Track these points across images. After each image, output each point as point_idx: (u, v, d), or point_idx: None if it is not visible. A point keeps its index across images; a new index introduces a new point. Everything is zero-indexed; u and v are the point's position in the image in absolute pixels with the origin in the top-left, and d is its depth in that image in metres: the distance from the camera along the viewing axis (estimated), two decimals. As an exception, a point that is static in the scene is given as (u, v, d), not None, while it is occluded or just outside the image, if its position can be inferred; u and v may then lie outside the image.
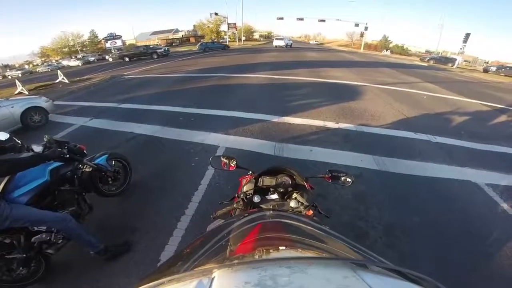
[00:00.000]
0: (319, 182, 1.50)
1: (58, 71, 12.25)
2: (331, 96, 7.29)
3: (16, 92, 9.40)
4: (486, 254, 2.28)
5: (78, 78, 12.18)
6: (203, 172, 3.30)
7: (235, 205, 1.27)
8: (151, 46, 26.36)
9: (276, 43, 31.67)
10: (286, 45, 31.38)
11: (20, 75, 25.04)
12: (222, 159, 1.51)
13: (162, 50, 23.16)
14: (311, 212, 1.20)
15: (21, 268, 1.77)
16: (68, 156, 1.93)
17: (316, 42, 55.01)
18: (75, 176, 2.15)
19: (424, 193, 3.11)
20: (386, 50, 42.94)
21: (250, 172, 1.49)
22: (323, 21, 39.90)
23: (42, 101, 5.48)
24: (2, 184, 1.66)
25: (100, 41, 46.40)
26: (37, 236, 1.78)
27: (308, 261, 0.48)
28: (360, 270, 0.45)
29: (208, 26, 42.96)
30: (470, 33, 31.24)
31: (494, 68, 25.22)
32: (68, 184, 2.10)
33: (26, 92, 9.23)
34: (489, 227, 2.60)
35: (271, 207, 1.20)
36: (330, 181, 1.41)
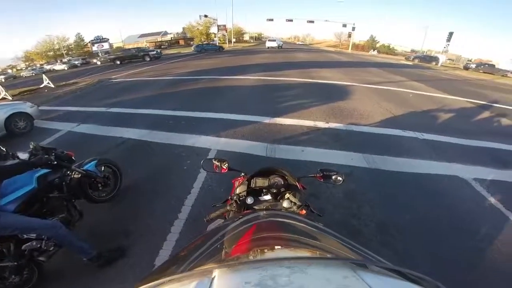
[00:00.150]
0: (311, 181, 1.51)
1: (43, 75, 11.92)
2: (321, 97, 7.39)
3: (-1, 98, 9.09)
4: (477, 249, 2.35)
5: (64, 83, 11.87)
6: (195, 175, 3.29)
7: (228, 208, 1.26)
8: (143, 49, 25.85)
9: (268, 44, 32.14)
10: (279, 46, 31.91)
11: (3, 80, 24.21)
12: (214, 161, 1.51)
13: (155, 52, 22.76)
14: (304, 211, 1.21)
15: (13, 276, 1.74)
16: (55, 162, 1.90)
17: (302, 43, 56.09)
18: (64, 183, 2.12)
19: (413, 190, 3.19)
20: (373, 50, 43.86)
21: (243, 174, 1.50)
22: (312, 22, 40.47)
23: (27, 107, 5.32)
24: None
25: (87, 44, 45.46)
26: (28, 244, 1.75)
27: (308, 261, 0.49)
28: (360, 270, 0.45)
29: (198, 29, 42.80)
30: (453, 32, 32.45)
31: (473, 66, 26.39)
32: (57, 191, 2.07)
33: (10, 98, 8.93)
34: (478, 222, 2.68)
35: (264, 207, 1.21)
36: (321, 180, 1.43)
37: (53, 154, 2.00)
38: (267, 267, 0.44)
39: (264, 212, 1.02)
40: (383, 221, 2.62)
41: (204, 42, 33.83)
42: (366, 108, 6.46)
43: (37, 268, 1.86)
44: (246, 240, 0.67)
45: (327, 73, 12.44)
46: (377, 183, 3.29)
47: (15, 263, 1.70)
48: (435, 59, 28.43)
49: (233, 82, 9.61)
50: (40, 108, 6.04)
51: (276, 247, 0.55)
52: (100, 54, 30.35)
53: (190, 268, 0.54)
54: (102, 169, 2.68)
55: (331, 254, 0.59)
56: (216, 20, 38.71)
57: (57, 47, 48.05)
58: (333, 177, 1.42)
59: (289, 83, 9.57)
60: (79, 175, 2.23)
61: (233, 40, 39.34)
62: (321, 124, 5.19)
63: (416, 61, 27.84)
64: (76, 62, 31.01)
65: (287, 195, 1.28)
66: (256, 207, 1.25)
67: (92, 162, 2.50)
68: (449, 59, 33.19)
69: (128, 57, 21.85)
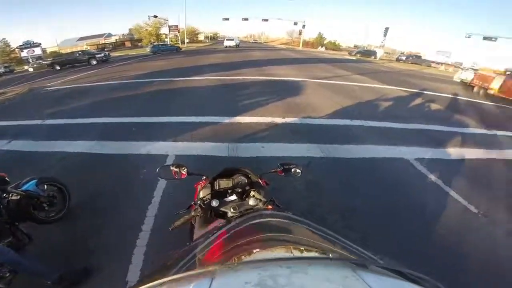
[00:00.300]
0: (274, 176, 1.55)
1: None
2: (277, 93, 7.67)
3: None
4: (424, 221, 2.71)
5: (-15, 95, 10.08)
6: (154, 184, 3.13)
7: (193, 213, 1.21)
8: (88, 51, 23.29)
9: (227, 43, 31.79)
10: (237, 45, 31.95)
11: None
12: (171, 168, 1.44)
13: (102, 55, 20.54)
14: (270, 207, 1.22)
15: None
16: None
17: (255, 41, 57.64)
18: (1, 206, 1.95)
19: (365, 174, 3.56)
20: (321, 47, 46.85)
21: (204, 177, 1.47)
22: (266, 20, 41.39)
23: None
24: None
25: (14, 50, 39.20)
26: None
27: (308, 261, 0.49)
28: (360, 270, 0.45)
29: (146, 29, 40.36)
30: (388, 28, 36.47)
31: (404, 58, 30.27)
32: None
33: None
34: (423, 199, 3.09)
35: (231, 209, 1.20)
36: (282, 174, 1.47)
37: None
38: (267, 267, 0.44)
39: (263, 212, 1.02)
40: (343, 206, 2.88)
41: (161, 43, 31.98)
42: (318, 102, 6.92)
43: None
44: (246, 240, 0.66)
45: (282, 70, 12.93)
46: (333, 171, 3.59)
47: None
48: (374, 53, 31.71)
49: (189, 83, 9.34)
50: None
51: (279, 247, 0.56)
52: (31, 60, 26.55)
53: (190, 268, 0.53)
54: (45, 187, 2.45)
55: (331, 254, 0.59)
56: (167, 20, 36.98)
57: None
58: (292, 170, 1.47)
59: (247, 81, 9.70)
60: (18, 197, 2.07)
61: (186, 40, 38.02)
62: (279, 120, 5.40)
63: (358, 55, 30.59)
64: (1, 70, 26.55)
65: (252, 193, 1.29)
66: (222, 209, 1.23)
67: (32, 182, 2.28)
68: (386, 53, 37.23)
69: (70, 61, 19.45)
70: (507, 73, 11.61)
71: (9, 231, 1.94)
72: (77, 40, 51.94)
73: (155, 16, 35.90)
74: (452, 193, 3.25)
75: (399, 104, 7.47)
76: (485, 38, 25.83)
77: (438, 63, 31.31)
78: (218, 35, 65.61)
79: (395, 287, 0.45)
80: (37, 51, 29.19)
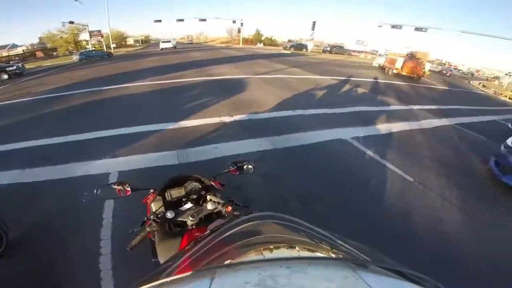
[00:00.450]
0: (228, 176, 1.53)
1: None
2: (221, 92, 7.69)
3: None
4: (369, 192, 3.16)
5: None
6: (101, 206, 2.84)
7: (148, 229, 1.15)
8: None
9: (162, 45, 30.35)
10: (174, 47, 30.75)
11: None
12: (114, 186, 1.33)
13: (15, 67, 16.56)
14: (230, 208, 1.20)
15: None
16: None
17: (190, 42, 56.65)
18: None
19: (313, 157, 3.95)
20: (260, 43, 48.37)
21: (152, 190, 1.40)
22: (204, 20, 40.43)
23: None
24: None
25: None
26: None
27: (308, 261, 0.49)
28: (360, 270, 0.45)
29: (61, 37, 34.90)
30: (315, 21, 39.56)
31: (329, 49, 33.77)
32: None
33: None
34: (366, 173, 3.59)
35: (189, 217, 1.17)
36: (237, 173, 1.47)
37: None
38: (267, 267, 0.44)
39: (261, 214, 1.02)
40: (299, 192, 3.12)
41: (90, 50, 28.05)
42: (262, 97, 7.23)
43: None
44: (245, 241, 0.66)
45: (223, 69, 12.93)
46: (284, 160, 3.85)
47: None
48: (305, 46, 34.31)
49: (125, 91, 8.45)
50: None
51: (279, 247, 0.56)
52: None
53: (190, 268, 0.53)
54: None
55: (331, 254, 0.59)
56: (87, 25, 32.73)
57: None
58: (245, 167, 1.45)
59: (188, 83, 9.39)
60: None
61: (113, 45, 34.33)
62: (227, 119, 5.45)
63: (292, 49, 32.66)
64: None
65: (208, 197, 1.28)
66: (179, 219, 1.20)
67: None
68: (315, 45, 40.56)
69: None
70: (407, 55, 15.31)
71: None
72: (-34, 54, 41.78)
73: (71, 22, 31.51)
74: (389, 165, 3.88)
75: (332, 92, 8.37)
76: (392, 27, 30.05)
77: (358, 52, 35.81)
78: (150, 38, 61.26)
79: (395, 287, 0.45)
80: None
